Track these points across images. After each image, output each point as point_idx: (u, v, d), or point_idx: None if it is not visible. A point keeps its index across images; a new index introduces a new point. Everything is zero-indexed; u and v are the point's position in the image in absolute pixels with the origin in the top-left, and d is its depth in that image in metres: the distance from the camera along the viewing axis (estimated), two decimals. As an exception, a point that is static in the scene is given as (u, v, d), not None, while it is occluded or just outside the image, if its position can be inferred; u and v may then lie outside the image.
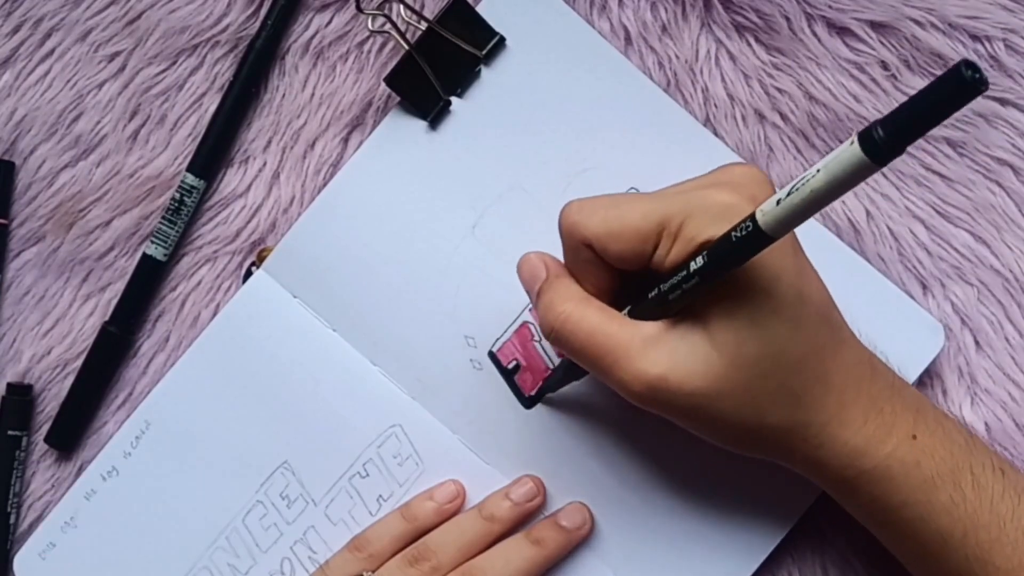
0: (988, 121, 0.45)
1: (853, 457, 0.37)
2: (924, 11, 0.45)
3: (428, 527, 0.44)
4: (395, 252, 0.46)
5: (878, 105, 0.45)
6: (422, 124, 0.46)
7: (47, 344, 0.49)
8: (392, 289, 0.46)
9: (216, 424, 0.46)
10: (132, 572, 0.47)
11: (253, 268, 0.47)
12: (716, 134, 0.46)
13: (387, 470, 0.46)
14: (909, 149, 0.46)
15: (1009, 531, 0.37)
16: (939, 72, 0.45)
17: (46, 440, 0.48)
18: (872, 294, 0.45)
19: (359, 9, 0.46)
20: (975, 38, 0.45)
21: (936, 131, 0.45)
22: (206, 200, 0.48)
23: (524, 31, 0.45)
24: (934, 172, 0.46)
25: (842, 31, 0.46)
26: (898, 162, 0.46)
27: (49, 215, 0.49)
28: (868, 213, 0.46)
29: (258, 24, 0.48)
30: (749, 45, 0.46)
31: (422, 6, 0.47)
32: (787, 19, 0.45)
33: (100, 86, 0.49)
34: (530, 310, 0.45)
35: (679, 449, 0.44)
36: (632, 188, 0.45)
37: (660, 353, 0.36)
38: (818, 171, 0.28)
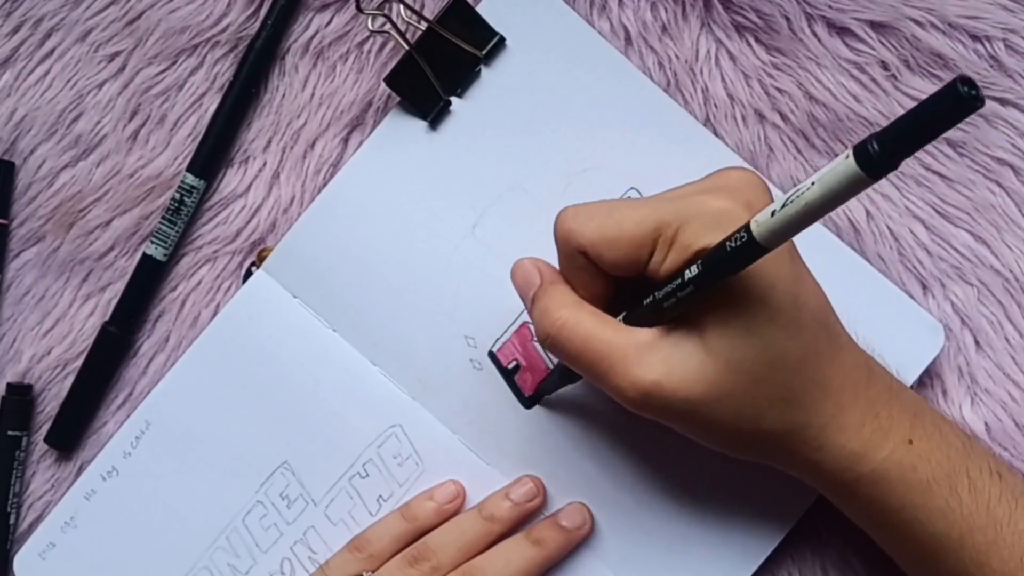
0: (988, 121, 0.45)
1: (851, 461, 0.37)
2: (924, 11, 0.45)
3: (428, 527, 0.44)
4: (395, 252, 0.46)
5: (878, 105, 0.45)
6: (422, 124, 0.46)
7: (47, 344, 0.49)
8: (392, 289, 0.46)
9: (216, 424, 0.46)
10: (132, 572, 0.47)
11: (253, 268, 0.47)
12: (716, 134, 0.46)
13: (387, 470, 0.46)
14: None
15: (1006, 534, 0.37)
16: (939, 72, 0.45)
17: (46, 440, 0.48)
18: (872, 294, 0.45)
19: (359, 9, 0.46)
20: (975, 38, 0.45)
21: (936, 131, 0.45)
22: (206, 200, 0.48)
23: (524, 31, 0.45)
24: (934, 172, 0.46)
25: (842, 31, 0.46)
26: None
27: (49, 215, 0.49)
28: (868, 213, 0.46)
29: (258, 24, 0.48)
30: (749, 45, 0.46)
31: (422, 6, 0.47)
32: (787, 19, 0.45)
33: (100, 86, 0.49)
34: (530, 310, 0.45)
35: (679, 450, 0.44)
36: (632, 188, 0.45)
37: (655, 359, 0.36)
38: (812, 184, 0.28)
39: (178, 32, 0.48)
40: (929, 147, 0.45)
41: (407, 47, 0.45)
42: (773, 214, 0.29)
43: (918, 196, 0.46)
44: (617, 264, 0.37)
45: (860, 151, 0.26)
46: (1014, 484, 0.38)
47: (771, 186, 0.38)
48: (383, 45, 0.48)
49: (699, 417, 0.36)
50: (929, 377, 0.45)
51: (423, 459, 0.46)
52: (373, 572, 0.43)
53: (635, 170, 0.45)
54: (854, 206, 0.46)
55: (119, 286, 0.48)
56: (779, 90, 0.46)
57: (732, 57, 0.46)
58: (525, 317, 0.45)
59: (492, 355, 0.45)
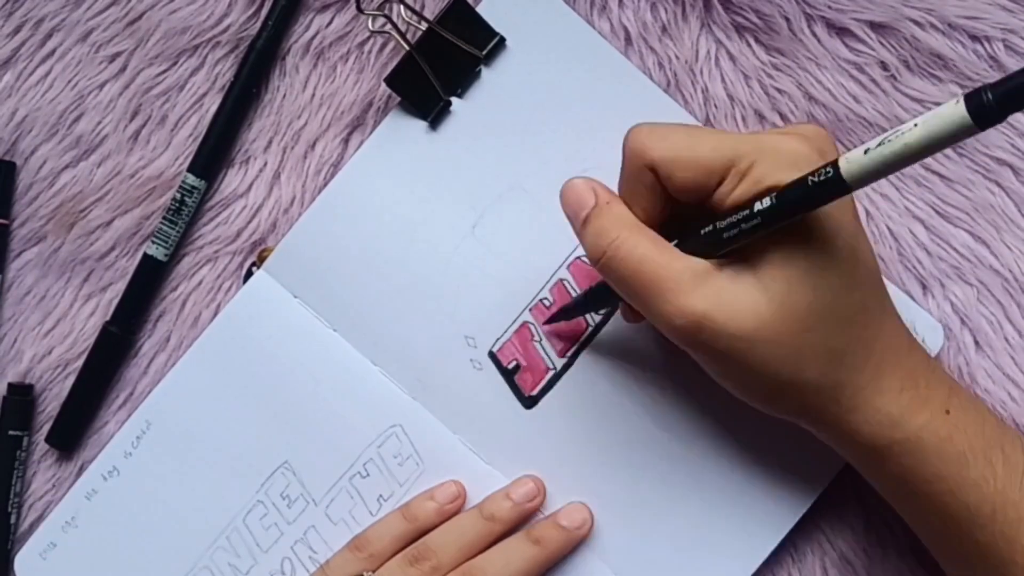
0: (988, 121, 0.45)
1: (886, 425, 0.36)
2: (924, 11, 0.45)
3: (428, 527, 0.44)
4: (395, 252, 0.46)
5: (877, 106, 0.45)
6: (422, 124, 0.46)
7: (48, 344, 0.49)
8: (392, 289, 0.46)
9: (217, 424, 0.46)
10: (133, 572, 0.47)
11: (254, 268, 0.47)
12: (716, 134, 0.46)
13: (387, 470, 0.46)
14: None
15: None
16: (939, 73, 0.45)
17: (47, 440, 0.49)
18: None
19: (359, 9, 0.46)
20: (975, 38, 0.45)
21: (936, 131, 0.45)
22: (207, 200, 0.48)
23: (524, 31, 0.46)
24: (933, 172, 0.46)
25: (842, 31, 0.46)
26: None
27: (50, 215, 0.49)
28: (868, 213, 0.46)
29: (259, 24, 0.48)
30: (749, 45, 0.46)
31: (422, 6, 0.47)
32: (787, 19, 0.45)
33: (101, 86, 0.49)
34: (530, 310, 0.45)
35: (679, 449, 0.44)
36: (632, 188, 0.45)
37: (709, 289, 0.35)
38: (915, 125, 0.27)
39: (179, 33, 0.48)
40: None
41: (407, 47, 0.45)
42: (866, 152, 0.29)
43: (918, 196, 0.46)
44: (685, 186, 0.36)
45: (972, 98, 0.26)
46: None
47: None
48: (383, 45, 0.48)
49: (742, 356, 0.35)
50: (929, 377, 0.45)
51: (423, 459, 0.46)
52: (373, 572, 0.43)
53: (635, 170, 0.45)
54: (854, 206, 0.46)
55: (120, 286, 0.48)
56: (779, 90, 0.46)
57: (732, 57, 0.46)
58: (525, 317, 0.45)
59: (492, 355, 0.46)
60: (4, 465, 0.48)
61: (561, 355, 0.45)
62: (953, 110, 0.26)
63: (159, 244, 0.48)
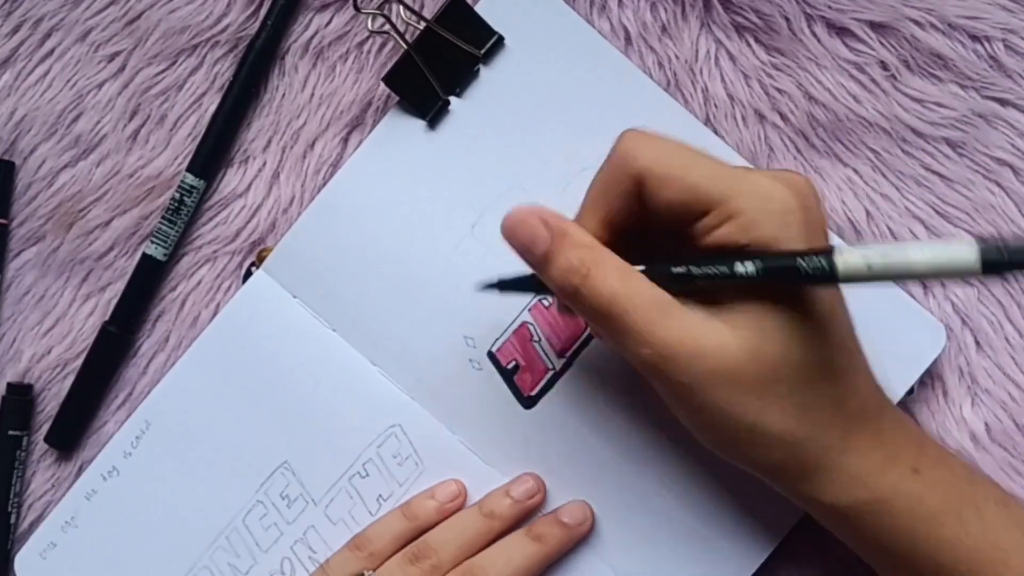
0: (988, 121, 0.45)
1: (850, 486, 0.36)
2: (924, 11, 0.45)
3: (428, 526, 0.44)
4: (395, 252, 0.46)
5: (878, 105, 0.45)
6: (421, 124, 0.46)
7: (47, 344, 0.49)
8: (392, 289, 0.46)
9: (216, 424, 0.46)
10: (133, 572, 0.47)
11: (253, 268, 0.47)
12: (716, 134, 0.46)
13: (387, 470, 0.46)
14: (909, 149, 0.46)
15: (1013, 564, 0.36)
16: (939, 73, 0.45)
17: (46, 440, 0.49)
18: (873, 294, 0.44)
19: (357, 9, 0.46)
20: (975, 38, 0.45)
21: (935, 131, 0.45)
22: (206, 200, 0.48)
23: (523, 31, 0.45)
24: (934, 172, 0.46)
25: (842, 31, 0.46)
26: (897, 162, 0.46)
27: (49, 215, 0.49)
28: (868, 213, 0.46)
29: (258, 24, 0.48)
30: (749, 45, 0.46)
31: (421, 6, 0.47)
32: (787, 19, 0.45)
33: (100, 86, 0.49)
34: (529, 310, 0.45)
35: (679, 449, 0.44)
36: (632, 188, 0.45)
37: (675, 323, 0.34)
38: (923, 253, 0.28)
39: (178, 32, 0.48)
40: (929, 147, 0.46)
41: (406, 47, 0.45)
42: (869, 267, 0.29)
43: (918, 196, 0.46)
44: (666, 206, 0.35)
45: (988, 250, 0.26)
46: (1019, 514, 0.37)
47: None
48: (382, 45, 0.48)
49: (705, 394, 0.34)
50: (930, 377, 0.45)
51: (423, 459, 0.46)
52: (374, 571, 0.43)
53: (635, 170, 0.45)
54: (854, 206, 0.46)
55: (119, 286, 0.48)
56: (779, 90, 0.46)
57: (732, 57, 0.46)
58: (524, 317, 0.45)
59: (491, 355, 0.45)
60: (4, 465, 0.48)
61: (560, 355, 0.45)
62: (965, 252, 0.27)
63: (158, 244, 0.48)
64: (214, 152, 0.48)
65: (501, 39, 0.45)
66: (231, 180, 0.48)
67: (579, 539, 0.44)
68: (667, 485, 0.44)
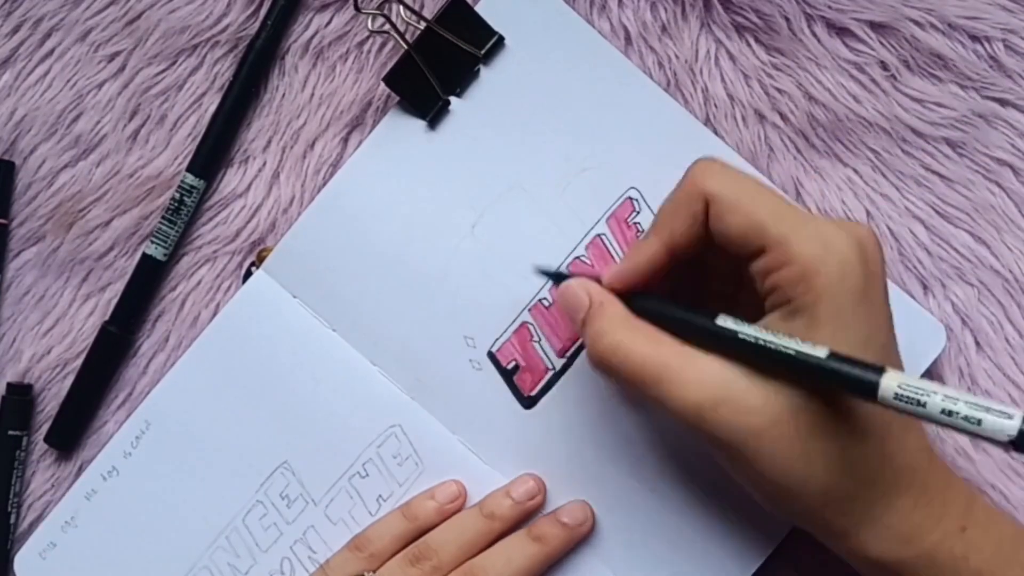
0: (988, 121, 0.45)
1: (895, 542, 0.36)
2: (924, 11, 0.45)
3: (429, 526, 0.44)
4: (395, 252, 0.46)
5: (878, 105, 0.45)
6: (421, 124, 0.46)
7: (47, 344, 0.49)
8: (392, 289, 0.46)
9: (216, 424, 0.46)
10: (132, 572, 0.47)
11: (253, 268, 0.47)
12: (716, 134, 0.46)
13: (387, 470, 0.46)
14: (909, 149, 0.46)
15: None
16: (939, 73, 0.45)
17: (46, 440, 0.49)
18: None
19: (357, 9, 0.46)
20: (975, 38, 0.45)
21: (936, 131, 0.45)
22: (206, 200, 0.48)
23: (523, 31, 0.45)
24: (934, 172, 0.46)
25: (842, 31, 0.46)
26: (897, 162, 0.46)
27: (49, 215, 0.49)
28: (868, 213, 0.46)
29: (258, 24, 0.48)
30: (749, 45, 0.46)
31: (421, 6, 0.47)
32: (787, 19, 0.45)
33: (100, 86, 0.49)
34: (530, 310, 0.45)
35: (679, 449, 0.44)
36: (632, 188, 0.45)
37: (716, 381, 0.35)
38: (965, 409, 0.30)
39: (178, 32, 0.48)
40: (929, 147, 0.46)
41: (406, 47, 0.45)
42: (909, 400, 0.31)
43: (918, 196, 0.46)
44: (729, 233, 0.35)
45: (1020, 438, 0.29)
46: None
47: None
48: (383, 45, 0.48)
49: (748, 450, 0.34)
50: (930, 377, 0.45)
51: (423, 459, 0.46)
52: (374, 571, 0.43)
53: (635, 170, 0.45)
54: (854, 206, 0.46)
55: (119, 286, 0.48)
56: (779, 90, 0.46)
57: (732, 57, 0.46)
58: (525, 317, 0.45)
59: (491, 355, 0.45)
60: (3, 465, 0.48)
61: (560, 355, 0.45)
62: (1003, 425, 0.29)
63: (158, 244, 0.48)
64: (214, 152, 0.48)
65: (501, 39, 0.45)
66: (231, 180, 0.48)
67: (579, 539, 0.44)
68: (667, 485, 0.44)
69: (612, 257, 0.45)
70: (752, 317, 0.36)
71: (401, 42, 0.45)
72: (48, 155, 0.49)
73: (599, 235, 0.45)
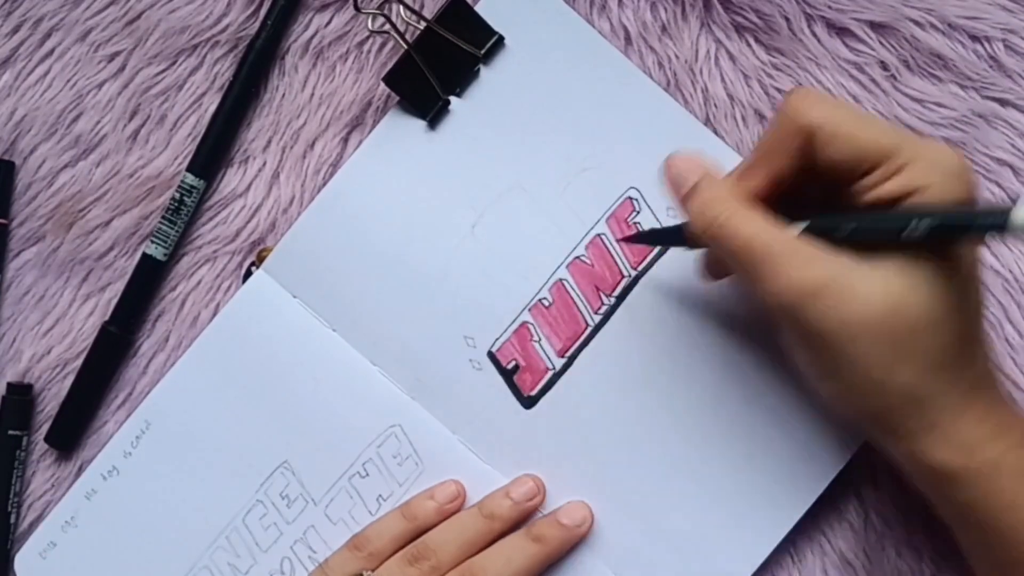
0: (988, 121, 0.45)
1: (961, 450, 0.36)
2: (924, 11, 0.45)
3: (428, 526, 0.44)
4: (394, 252, 0.46)
5: (878, 105, 0.45)
6: (421, 124, 0.46)
7: (47, 344, 0.49)
8: (391, 289, 0.46)
9: (216, 424, 0.46)
10: (133, 571, 0.47)
11: (253, 268, 0.47)
12: (716, 134, 0.46)
13: (387, 470, 0.46)
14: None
15: None
16: (939, 73, 0.45)
17: (46, 440, 0.49)
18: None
19: (357, 9, 0.46)
20: (975, 38, 0.45)
21: (935, 131, 0.45)
22: (206, 200, 0.48)
23: (523, 31, 0.45)
24: (934, 172, 0.46)
25: (842, 31, 0.46)
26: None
27: (49, 215, 0.49)
28: (868, 213, 0.46)
29: (258, 24, 0.48)
30: (749, 45, 0.46)
31: (421, 6, 0.47)
32: (787, 19, 0.45)
33: (100, 86, 0.49)
34: (530, 310, 0.45)
35: (680, 449, 0.44)
36: (632, 188, 0.45)
37: (825, 268, 0.35)
38: None
39: (178, 32, 0.48)
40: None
41: (406, 47, 0.45)
42: None
43: (918, 196, 0.46)
44: (833, 162, 0.35)
45: None
46: None
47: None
48: (382, 45, 0.48)
49: (841, 344, 0.35)
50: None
51: (422, 459, 0.46)
52: (373, 571, 0.43)
53: (635, 170, 0.45)
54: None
55: (119, 286, 0.48)
56: (779, 90, 0.46)
57: (732, 57, 0.46)
58: (525, 317, 0.45)
59: (491, 355, 0.45)
60: (3, 465, 0.48)
61: (560, 355, 0.45)
62: None
63: (158, 244, 0.48)
64: (214, 152, 0.48)
65: (501, 39, 0.45)
66: (231, 180, 0.48)
67: (578, 540, 0.44)
68: (667, 486, 0.44)
69: (612, 257, 0.45)
70: None
71: (401, 42, 0.45)
72: (48, 155, 0.49)
73: (599, 235, 0.45)
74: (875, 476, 0.45)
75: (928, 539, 0.45)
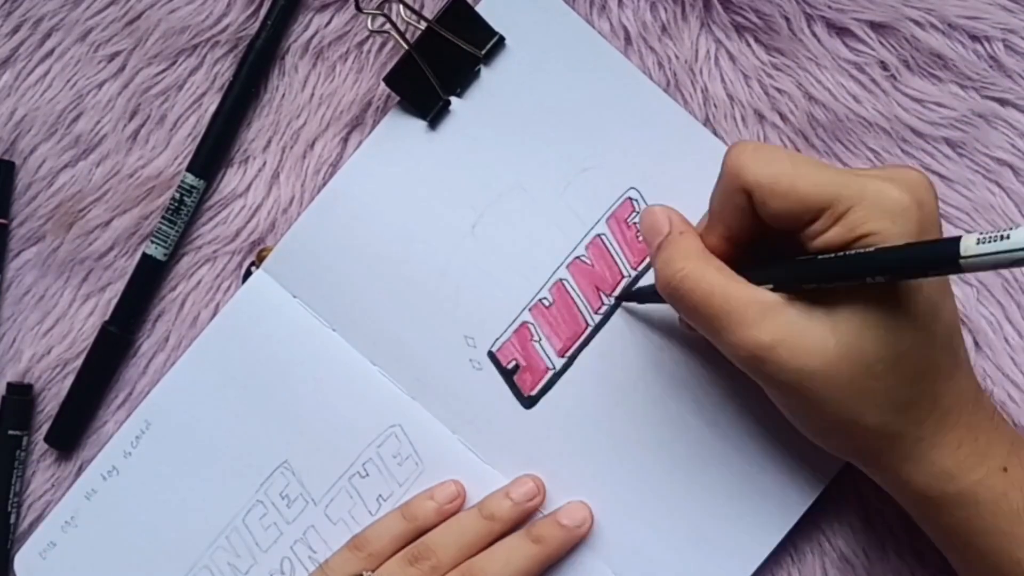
0: (988, 121, 0.45)
1: (940, 478, 0.37)
2: (924, 11, 0.45)
3: (428, 527, 0.44)
4: (395, 252, 0.46)
5: (877, 105, 0.45)
6: (421, 124, 0.46)
7: (47, 344, 0.49)
8: (392, 289, 0.46)
9: (216, 424, 0.46)
10: (132, 571, 0.47)
11: (253, 268, 0.47)
12: (716, 134, 0.46)
13: (387, 470, 0.46)
14: (909, 149, 0.46)
15: None
16: (939, 73, 0.45)
17: (46, 440, 0.49)
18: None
19: (358, 9, 0.46)
20: (975, 38, 0.45)
21: (935, 131, 0.45)
22: (206, 200, 0.48)
23: (524, 31, 0.45)
24: (934, 172, 0.46)
25: (842, 31, 0.46)
26: (897, 162, 0.46)
27: (49, 215, 0.49)
28: (868, 213, 0.46)
29: (258, 24, 0.48)
30: (749, 45, 0.46)
31: (421, 6, 0.47)
32: (787, 19, 0.45)
33: (100, 86, 0.49)
34: (530, 310, 0.45)
35: (680, 449, 0.44)
36: (632, 188, 0.45)
37: (776, 323, 0.35)
38: None
39: (178, 32, 0.48)
40: (929, 147, 0.46)
41: (406, 47, 0.45)
42: (990, 249, 0.29)
43: (918, 196, 0.46)
44: (777, 216, 0.36)
45: None
46: None
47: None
48: (383, 45, 0.48)
49: (804, 391, 0.36)
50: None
51: (423, 459, 0.46)
52: (373, 571, 0.43)
53: (635, 170, 0.45)
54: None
55: (119, 286, 0.48)
56: (779, 90, 0.46)
57: (732, 57, 0.46)
58: (525, 317, 0.45)
59: (491, 355, 0.45)
60: (4, 465, 0.48)
61: (560, 355, 0.45)
62: None
63: (158, 244, 0.48)
64: (214, 152, 0.48)
65: (502, 39, 0.45)
66: (231, 180, 0.48)
67: (578, 540, 0.44)
68: (667, 485, 0.44)
69: (612, 257, 0.45)
70: None
71: (401, 42, 0.45)
72: (48, 155, 0.49)
73: (599, 235, 0.45)
74: (875, 476, 0.45)
75: (928, 539, 0.45)
